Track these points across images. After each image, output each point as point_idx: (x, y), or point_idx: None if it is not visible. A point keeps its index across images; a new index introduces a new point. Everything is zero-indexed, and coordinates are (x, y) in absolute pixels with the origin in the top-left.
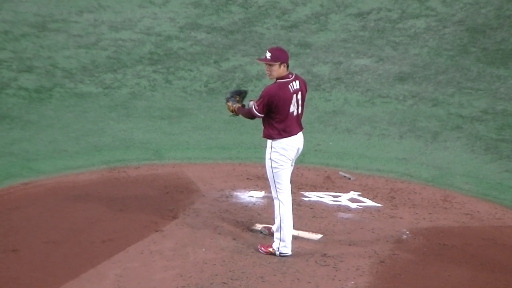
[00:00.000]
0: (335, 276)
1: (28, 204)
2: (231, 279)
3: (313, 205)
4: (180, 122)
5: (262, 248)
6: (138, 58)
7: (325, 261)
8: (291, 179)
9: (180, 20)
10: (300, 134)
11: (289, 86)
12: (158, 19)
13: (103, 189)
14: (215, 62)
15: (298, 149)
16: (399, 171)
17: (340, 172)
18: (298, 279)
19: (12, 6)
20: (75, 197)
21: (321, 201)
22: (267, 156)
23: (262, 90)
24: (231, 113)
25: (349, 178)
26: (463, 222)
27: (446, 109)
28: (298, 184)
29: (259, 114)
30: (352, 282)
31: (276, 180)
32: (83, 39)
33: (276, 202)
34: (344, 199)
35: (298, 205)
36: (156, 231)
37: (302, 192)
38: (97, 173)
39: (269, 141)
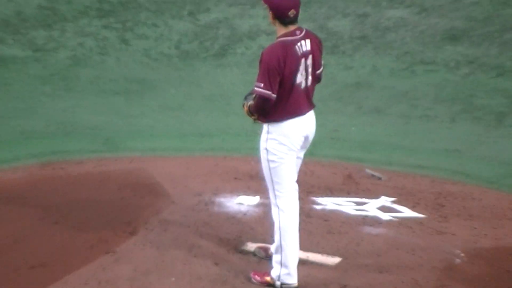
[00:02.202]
0: None
1: None
2: None
3: (329, 216)
4: (141, 99)
5: (257, 276)
6: (82, 9)
7: None
8: (298, 179)
9: None
10: (310, 115)
11: (296, 46)
12: None
13: (33, 193)
14: (190, 14)
15: (307, 136)
16: (450, 168)
17: (367, 170)
18: None
19: None
20: None
21: (340, 211)
22: (262, 145)
23: (260, 55)
24: (252, 117)
25: (379, 178)
26: None
27: None
28: (308, 187)
29: (267, 92)
30: None
31: (274, 179)
32: None
33: (274, 211)
34: (372, 207)
35: (307, 216)
36: (107, 252)
37: (313, 198)
38: (23, 171)
39: (264, 125)
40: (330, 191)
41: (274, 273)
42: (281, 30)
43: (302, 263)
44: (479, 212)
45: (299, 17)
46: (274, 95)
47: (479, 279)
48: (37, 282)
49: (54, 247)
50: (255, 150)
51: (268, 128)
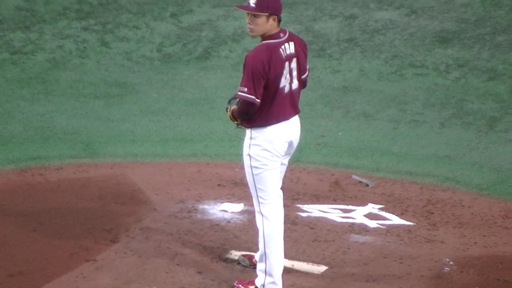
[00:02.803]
0: None
1: None
2: None
3: (315, 223)
4: (121, 103)
5: (241, 285)
6: (61, 10)
7: None
8: (282, 186)
9: None
10: (295, 120)
11: (280, 49)
12: None
13: (11, 200)
14: (173, 15)
15: (291, 142)
16: (439, 174)
17: (354, 176)
18: None
19: None
20: None
21: (326, 218)
22: (245, 151)
23: (244, 59)
24: (235, 122)
25: (367, 185)
26: None
27: (508, 84)
28: (293, 194)
29: (251, 96)
30: None
31: (258, 186)
32: None
33: (258, 218)
34: (359, 214)
35: (293, 223)
36: (87, 260)
37: (298, 205)
38: (1, 177)
39: (247, 130)
40: (316, 198)
41: (258, 282)
42: (268, 31)
43: (287, 271)
44: (469, 220)
45: (285, 19)
46: (258, 100)
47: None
48: None
49: (33, 255)
50: (239, 156)
51: (251, 133)
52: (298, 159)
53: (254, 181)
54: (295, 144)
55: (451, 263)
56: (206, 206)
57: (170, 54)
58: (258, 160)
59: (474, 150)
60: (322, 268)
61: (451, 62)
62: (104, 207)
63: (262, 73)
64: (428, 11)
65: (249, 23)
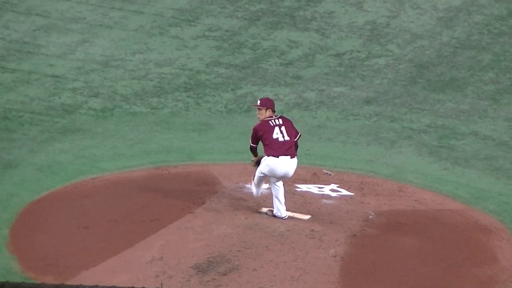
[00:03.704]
0: (320, 245)
1: (95, 193)
2: (244, 248)
3: (304, 194)
4: (206, 134)
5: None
6: (175, 87)
7: (313, 235)
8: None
9: (207, 59)
10: (288, 159)
11: (270, 121)
12: (191, 58)
13: (151, 183)
14: (232, 90)
15: (287, 172)
16: (366, 169)
17: (324, 170)
18: (293, 248)
19: (84, 49)
20: (130, 188)
21: (310, 191)
22: (260, 166)
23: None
24: (254, 162)
25: (330, 174)
26: (413, 206)
27: (400, 124)
28: (293, 179)
29: (252, 144)
30: (333, 250)
31: (256, 175)
32: (136, 72)
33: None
34: (326, 189)
35: (293, 194)
36: (190, 213)
37: (296, 185)
38: (146, 171)
39: (265, 156)
40: (305, 181)
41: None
42: (266, 116)
43: (290, 218)
44: (382, 192)
45: (288, 92)
46: (254, 145)
47: (381, 226)
48: (154, 228)
49: (162, 210)
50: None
51: (265, 158)
52: None
53: (256, 174)
54: (289, 175)
55: (372, 213)
56: (249, 185)
57: (231, 109)
58: (263, 173)
59: (384, 157)
60: (308, 216)
61: (372, 112)
62: (198, 186)
63: (256, 133)
64: (360, 87)
65: (257, 113)
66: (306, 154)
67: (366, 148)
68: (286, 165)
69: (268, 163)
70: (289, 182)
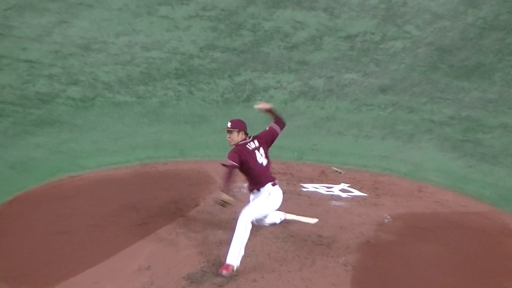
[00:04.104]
0: (328, 253)
1: (75, 194)
2: (243, 256)
3: (310, 194)
4: (200, 126)
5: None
6: (165, 73)
7: (320, 241)
8: (292, 173)
9: (200, 42)
10: (277, 186)
11: (247, 145)
12: (182, 41)
13: (137, 181)
14: (229, 76)
15: (280, 202)
16: (381, 166)
17: (333, 167)
18: (298, 256)
19: (61, 30)
20: (114, 188)
21: (317, 192)
22: (259, 203)
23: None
24: (224, 202)
25: (340, 172)
26: (434, 208)
27: (419, 115)
28: (298, 178)
29: (232, 162)
30: (343, 258)
31: (245, 228)
32: (120, 57)
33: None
34: (336, 189)
35: (298, 194)
36: (182, 216)
37: (301, 184)
38: (132, 168)
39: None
40: (311, 180)
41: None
42: (238, 140)
43: (295, 221)
44: (398, 192)
45: (292, 79)
46: (235, 163)
47: (398, 231)
48: (142, 233)
49: (151, 213)
50: (270, 157)
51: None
52: (300, 158)
53: (251, 218)
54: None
55: (388, 217)
56: (246, 185)
57: (228, 98)
58: (265, 208)
59: (401, 153)
60: (315, 220)
61: (387, 102)
62: (191, 186)
63: (240, 154)
64: (374, 74)
65: (228, 137)
66: (313, 150)
67: (380, 143)
68: (280, 193)
69: (271, 192)
70: (294, 181)
